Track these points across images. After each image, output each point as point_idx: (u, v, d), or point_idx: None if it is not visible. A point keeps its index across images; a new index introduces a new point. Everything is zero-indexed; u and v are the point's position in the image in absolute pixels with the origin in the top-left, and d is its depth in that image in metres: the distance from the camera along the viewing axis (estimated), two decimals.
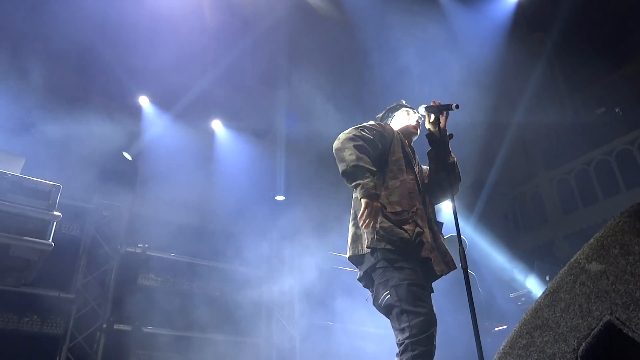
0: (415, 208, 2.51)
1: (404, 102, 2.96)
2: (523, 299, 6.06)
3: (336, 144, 2.49)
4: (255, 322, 5.94)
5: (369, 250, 2.44)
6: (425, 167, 2.86)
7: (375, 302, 2.49)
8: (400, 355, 2.28)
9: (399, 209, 2.46)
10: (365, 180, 2.35)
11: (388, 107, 2.96)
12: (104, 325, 4.94)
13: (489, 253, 8.38)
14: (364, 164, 2.38)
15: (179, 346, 5.24)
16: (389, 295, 2.37)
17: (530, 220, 11.05)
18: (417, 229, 2.43)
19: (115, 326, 4.98)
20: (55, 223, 2.98)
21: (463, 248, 2.41)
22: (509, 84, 9.65)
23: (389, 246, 2.39)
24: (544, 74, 10.85)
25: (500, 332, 5.69)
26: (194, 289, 5.71)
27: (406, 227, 2.41)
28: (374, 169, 2.44)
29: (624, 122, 9.78)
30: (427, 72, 7.00)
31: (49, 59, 6.14)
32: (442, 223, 2.69)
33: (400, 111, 2.90)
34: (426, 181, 2.78)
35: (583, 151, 10.35)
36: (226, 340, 5.49)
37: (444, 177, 2.65)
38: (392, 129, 2.76)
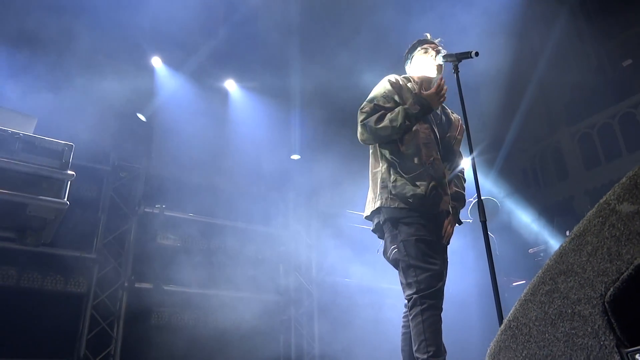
0: (432, 158, 2.44)
1: (428, 35, 2.78)
2: (542, 254, 6.02)
3: (363, 136, 2.50)
4: (273, 280, 6.01)
5: (382, 207, 2.43)
6: (455, 116, 2.76)
7: (385, 254, 2.50)
8: (410, 310, 2.30)
9: (414, 162, 2.41)
10: (406, 111, 2.39)
11: (410, 46, 2.80)
12: (126, 284, 5.04)
13: (508, 209, 8.28)
14: (394, 118, 2.39)
15: (199, 303, 5.34)
16: (396, 250, 2.39)
17: (551, 176, 10.86)
18: (432, 183, 2.36)
19: (137, 284, 5.07)
20: (69, 182, 2.98)
21: (482, 202, 2.35)
22: (531, 34, 9.28)
23: (402, 205, 2.36)
24: (567, 24, 10.38)
25: (518, 287, 5.68)
26: (211, 248, 5.77)
27: (420, 182, 2.36)
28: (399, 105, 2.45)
29: None
30: (446, 20, 6.72)
31: (60, 20, 6.06)
32: (465, 180, 2.62)
33: (417, 51, 2.72)
34: (455, 134, 2.69)
35: (607, 105, 10.01)
36: (244, 298, 5.57)
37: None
38: (401, 81, 2.64)
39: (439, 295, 2.28)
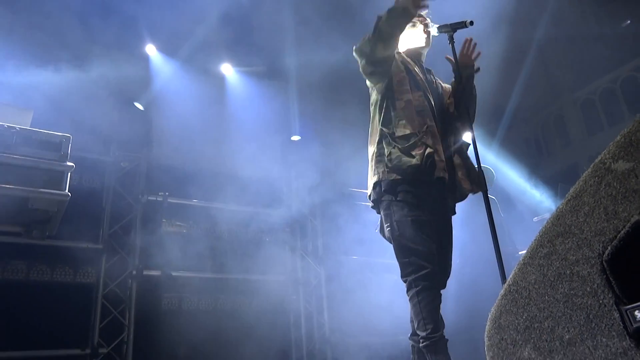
0: (426, 126, 2.42)
1: None
2: None
3: (362, 62, 2.48)
4: (280, 261, 6.05)
5: (380, 182, 2.42)
6: (446, 85, 2.74)
7: (380, 232, 2.51)
8: (407, 292, 2.33)
9: (407, 131, 2.39)
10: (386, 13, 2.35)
11: None
12: (134, 272, 5.10)
13: (511, 179, 8.26)
14: (376, 25, 2.35)
15: (208, 287, 5.39)
16: (389, 229, 2.39)
17: (554, 144, 10.80)
18: (428, 150, 2.34)
19: (145, 272, 5.13)
20: (69, 174, 2.98)
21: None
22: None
23: (399, 177, 2.34)
24: None
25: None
26: (217, 233, 5.81)
27: (415, 152, 2.34)
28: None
29: None
30: None
31: (53, 10, 5.99)
32: (469, 144, 2.60)
33: None
34: (448, 101, 2.66)
35: (609, 69, 9.88)
36: (253, 280, 5.63)
37: (460, 109, 2.55)
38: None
39: (432, 277, 2.30)
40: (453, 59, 2.51)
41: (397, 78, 2.54)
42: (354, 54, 2.50)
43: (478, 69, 2.62)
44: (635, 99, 9.31)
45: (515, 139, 10.53)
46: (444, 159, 2.41)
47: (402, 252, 2.34)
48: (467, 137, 2.68)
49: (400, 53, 2.67)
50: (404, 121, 2.41)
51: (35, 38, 5.50)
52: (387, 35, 2.36)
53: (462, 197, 2.57)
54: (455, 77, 2.61)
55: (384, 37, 2.36)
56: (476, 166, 2.35)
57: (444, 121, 2.58)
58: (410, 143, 2.37)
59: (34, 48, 5.35)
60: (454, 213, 2.62)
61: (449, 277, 2.51)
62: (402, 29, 2.42)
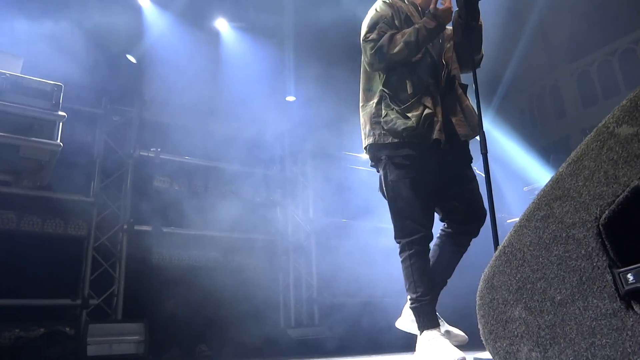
0: (426, 84, 2.38)
1: None
2: (537, 192, 6.07)
3: (375, 65, 2.39)
4: (271, 221, 6.09)
5: (375, 144, 2.40)
6: (447, 28, 2.63)
7: (380, 191, 2.50)
8: (400, 254, 2.34)
9: (408, 92, 2.34)
10: (419, 31, 2.31)
11: None
12: (125, 227, 5.10)
13: (504, 147, 8.29)
14: (408, 40, 2.30)
15: (198, 244, 5.44)
16: (385, 190, 2.38)
17: (548, 115, 10.80)
18: (426, 111, 2.30)
19: (136, 227, 5.14)
20: (61, 124, 2.94)
21: (484, 133, 2.30)
22: None
23: (396, 139, 2.32)
24: None
25: (512, 224, 5.76)
26: (208, 190, 5.81)
27: (411, 114, 2.30)
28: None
29: None
30: None
31: None
32: (467, 85, 2.54)
33: None
34: (447, 45, 2.58)
35: (606, 41, 9.79)
36: (242, 238, 5.67)
37: (466, 46, 2.44)
38: (397, 2, 2.52)
39: (425, 241, 2.30)
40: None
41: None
42: (367, 49, 2.38)
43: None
44: (632, 72, 9.28)
45: (511, 108, 10.49)
46: (441, 119, 2.35)
47: (397, 214, 2.34)
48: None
49: (406, 2, 2.55)
50: (405, 81, 2.37)
51: None
52: (418, 49, 2.33)
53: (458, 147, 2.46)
54: (458, 11, 2.43)
55: (413, 52, 2.32)
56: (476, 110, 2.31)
57: (444, 67, 2.51)
58: (408, 104, 2.32)
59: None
60: (471, 159, 2.53)
61: (482, 223, 2.44)
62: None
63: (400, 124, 2.29)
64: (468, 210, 2.41)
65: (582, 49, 10.21)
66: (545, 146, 9.66)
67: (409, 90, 2.34)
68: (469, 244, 2.49)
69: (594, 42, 9.90)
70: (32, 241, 4.58)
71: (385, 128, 2.33)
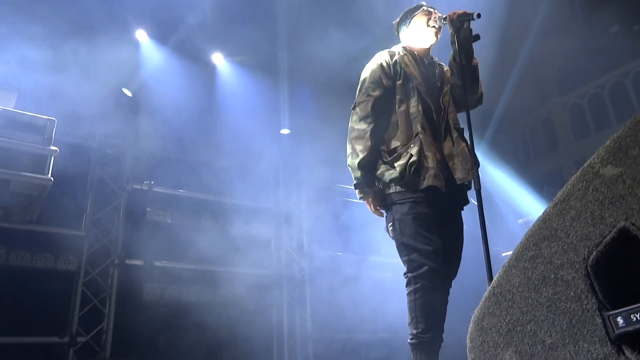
0: (417, 133, 2.41)
1: (423, 2, 2.71)
2: (531, 224, 6.06)
3: (350, 133, 2.50)
4: (265, 255, 6.02)
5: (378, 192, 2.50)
6: (446, 68, 2.67)
7: (387, 231, 2.51)
8: (406, 287, 2.34)
9: (395, 144, 2.44)
10: (359, 183, 2.45)
11: (407, 10, 2.71)
12: (116, 261, 5.03)
13: (498, 180, 8.32)
14: (360, 172, 2.43)
15: (191, 279, 5.35)
16: (392, 228, 2.41)
17: (541, 147, 10.89)
18: (411, 160, 2.33)
19: (127, 261, 5.06)
20: (52, 158, 2.93)
21: (477, 170, 2.31)
22: (521, 2, 9.14)
23: (391, 190, 2.42)
24: None
25: (507, 257, 5.72)
26: (202, 224, 5.76)
27: (397, 163, 2.38)
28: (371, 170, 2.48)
29: None
30: None
31: None
32: (463, 129, 2.55)
33: (417, 14, 2.65)
34: (446, 88, 2.60)
35: (597, 74, 9.97)
36: (236, 273, 5.59)
37: (462, 84, 2.47)
38: (391, 54, 2.59)
39: (431, 275, 2.26)
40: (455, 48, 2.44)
41: (400, 80, 2.51)
42: (351, 117, 2.55)
43: (477, 36, 2.48)
44: (623, 105, 9.41)
45: (503, 141, 10.59)
46: (434, 165, 2.36)
47: (403, 249, 2.35)
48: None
49: (401, 54, 2.59)
50: (394, 133, 2.45)
51: (23, 20, 5.38)
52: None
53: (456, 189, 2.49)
54: (453, 53, 2.48)
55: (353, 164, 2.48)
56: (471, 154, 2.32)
57: (437, 112, 2.53)
58: (395, 155, 2.41)
59: (20, 29, 5.23)
60: (466, 203, 2.56)
61: (456, 273, 2.48)
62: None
63: (387, 175, 2.40)
64: (446, 255, 2.39)
65: (574, 82, 10.39)
66: (539, 178, 9.70)
67: (400, 141, 2.43)
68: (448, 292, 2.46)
69: (585, 75, 10.08)
70: (20, 276, 4.49)
71: (381, 180, 2.45)
